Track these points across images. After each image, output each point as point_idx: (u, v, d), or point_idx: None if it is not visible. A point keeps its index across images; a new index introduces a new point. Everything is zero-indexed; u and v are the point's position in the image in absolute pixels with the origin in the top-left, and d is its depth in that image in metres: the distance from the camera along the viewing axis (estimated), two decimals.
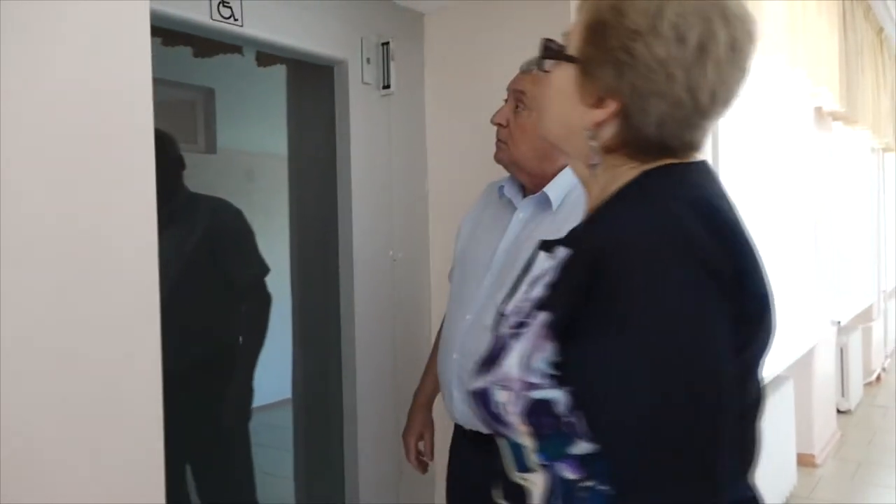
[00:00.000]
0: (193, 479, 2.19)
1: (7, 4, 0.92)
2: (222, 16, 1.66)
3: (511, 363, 0.77)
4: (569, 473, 0.77)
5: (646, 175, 0.81)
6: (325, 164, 2.10)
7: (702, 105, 0.78)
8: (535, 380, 0.75)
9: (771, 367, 2.82)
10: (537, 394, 0.75)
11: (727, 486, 0.74)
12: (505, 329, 0.82)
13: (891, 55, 4.86)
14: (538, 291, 0.81)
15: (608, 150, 0.83)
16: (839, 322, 4.26)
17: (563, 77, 0.85)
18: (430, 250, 2.31)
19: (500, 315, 0.89)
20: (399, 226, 2.21)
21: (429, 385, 1.74)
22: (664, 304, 0.70)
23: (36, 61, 0.96)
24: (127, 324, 1.06)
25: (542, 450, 0.78)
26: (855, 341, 4.79)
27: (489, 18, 2.13)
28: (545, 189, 1.50)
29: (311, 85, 2.11)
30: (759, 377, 0.81)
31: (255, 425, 2.26)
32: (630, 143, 0.81)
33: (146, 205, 1.09)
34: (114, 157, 1.05)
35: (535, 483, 0.81)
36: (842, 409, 4.58)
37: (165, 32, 1.76)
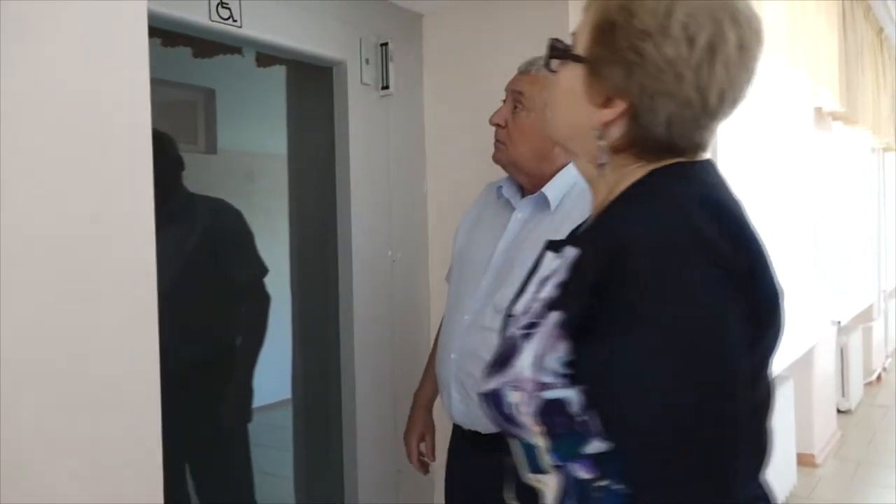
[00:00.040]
0: (192, 478, 2.19)
1: (6, 4, 0.92)
2: (221, 17, 1.67)
3: (523, 363, 0.77)
4: (582, 473, 0.76)
5: (654, 174, 0.81)
6: (324, 165, 2.10)
7: (710, 105, 0.78)
8: (548, 379, 0.75)
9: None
10: (550, 393, 0.75)
11: (743, 484, 0.74)
12: (515, 330, 0.82)
13: (891, 55, 4.85)
14: (548, 291, 0.81)
15: (616, 149, 0.83)
16: (839, 322, 4.26)
17: (570, 77, 0.85)
18: (430, 250, 2.31)
19: (509, 316, 0.89)
20: (398, 226, 2.21)
21: (429, 386, 1.75)
22: (678, 301, 0.70)
23: (33, 62, 0.96)
24: (125, 324, 1.06)
25: (556, 449, 0.78)
26: (855, 341, 4.79)
27: (488, 19, 2.13)
28: (543, 189, 1.51)
29: (311, 85, 2.12)
30: (770, 374, 0.81)
31: (255, 425, 2.26)
32: (638, 142, 0.81)
33: (144, 205, 1.10)
34: (112, 158, 1.05)
35: (548, 484, 0.81)
36: (842, 408, 4.58)
37: (165, 33, 1.76)
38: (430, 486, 2.18)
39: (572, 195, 1.51)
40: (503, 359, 0.81)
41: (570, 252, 0.81)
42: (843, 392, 4.63)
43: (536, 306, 0.81)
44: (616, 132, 0.82)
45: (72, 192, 1.00)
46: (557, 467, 0.79)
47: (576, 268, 0.78)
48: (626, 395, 0.72)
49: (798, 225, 3.78)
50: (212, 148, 3.74)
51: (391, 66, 2.10)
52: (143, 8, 1.10)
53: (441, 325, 1.68)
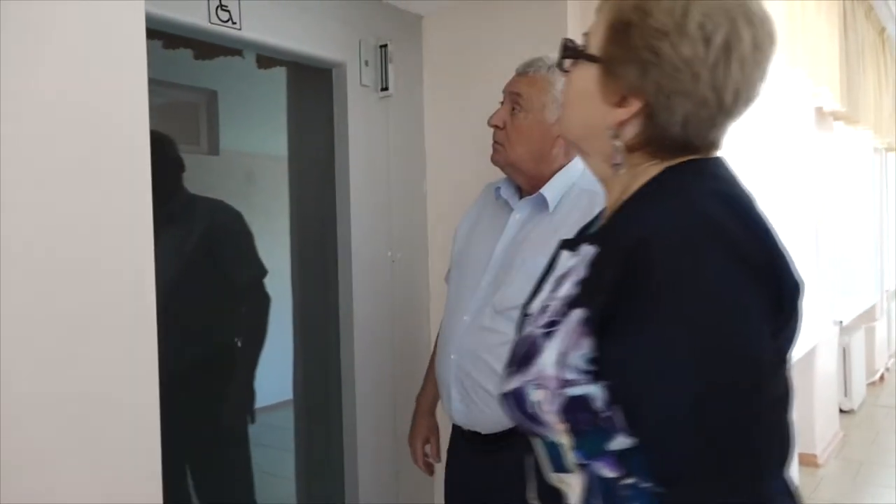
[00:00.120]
0: (192, 479, 2.20)
1: (5, 5, 0.93)
2: (220, 19, 1.67)
3: (546, 361, 0.77)
4: (607, 472, 0.76)
5: (669, 171, 0.82)
6: (324, 166, 2.11)
7: (726, 104, 0.79)
8: (571, 376, 0.75)
9: None
10: (574, 390, 0.75)
11: (772, 476, 0.74)
12: (534, 329, 0.82)
13: (893, 55, 4.84)
14: (566, 289, 0.81)
15: (630, 148, 0.83)
16: (841, 322, 4.26)
17: (584, 77, 0.85)
18: (429, 251, 2.32)
19: (524, 315, 0.90)
20: (398, 227, 2.21)
21: (430, 390, 1.74)
22: (699, 295, 0.71)
23: (32, 62, 0.97)
24: (124, 324, 1.07)
25: (579, 447, 0.78)
26: (858, 341, 4.78)
27: (487, 20, 2.13)
28: (542, 190, 1.51)
29: (311, 87, 2.12)
30: (789, 367, 0.81)
31: (256, 426, 2.27)
32: (653, 141, 0.82)
33: (143, 206, 1.10)
34: (110, 159, 1.06)
35: (572, 485, 0.80)
36: (844, 408, 4.57)
37: (166, 35, 1.76)
38: (429, 486, 2.18)
39: (570, 196, 1.51)
40: (524, 358, 0.81)
41: (588, 250, 0.81)
42: (846, 392, 4.62)
43: (555, 304, 0.81)
44: (631, 131, 0.82)
45: (70, 192, 1.01)
46: (581, 466, 0.79)
47: (595, 265, 0.79)
48: (651, 391, 0.72)
49: (800, 225, 3.77)
50: (214, 149, 3.75)
51: (391, 67, 2.11)
52: (140, 9, 1.10)
53: (441, 327, 1.68)
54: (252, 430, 2.27)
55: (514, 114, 1.52)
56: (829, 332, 4.08)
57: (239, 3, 1.71)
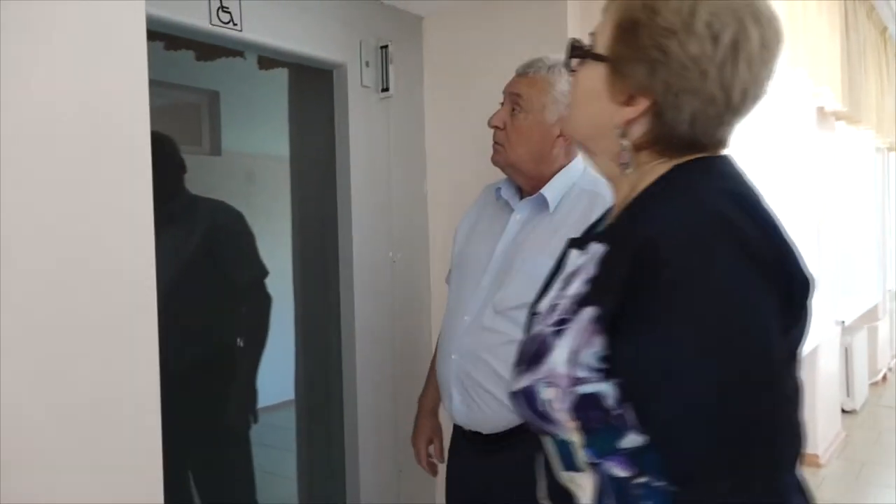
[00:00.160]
0: (193, 479, 2.20)
1: (5, 5, 0.93)
2: (221, 21, 1.68)
3: (557, 360, 0.77)
4: (619, 471, 0.76)
5: (677, 170, 0.82)
6: (325, 167, 2.11)
7: (734, 102, 0.79)
8: (582, 374, 0.75)
9: None
10: (585, 388, 0.75)
11: (785, 472, 0.74)
12: (543, 327, 0.82)
13: (895, 55, 4.84)
14: (576, 288, 0.81)
15: (638, 147, 0.83)
16: (843, 322, 4.25)
17: (591, 76, 0.85)
18: (430, 251, 2.32)
19: (533, 314, 0.90)
20: (398, 227, 2.22)
21: (432, 391, 1.74)
22: (711, 292, 0.71)
23: (32, 63, 0.97)
24: (124, 325, 1.07)
25: (591, 445, 0.78)
26: (860, 341, 4.77)
27: (488, 21, 2.14)
28: (542, 191, 1.51)
29: (312, 88, 2.13)
30: (799, 364, 0.81)
31: (259, 426, 2.27)
32: (661, 140, 0.82)
33: (143, 206, 1.10)
34: (111, 159, 1.06)
35: (583, 485, 0.80)
36: (847, 409, 4.56)
37: (167, 36, 1.77)
38: (431, 486, 2.18)
39: (571, 196, 1.52)
40: (534, 356, 0.81)
41: (597, 248, 0.82)
42: (848, 392, 4.61)
43: (565, 303, 0.81)
44: (638, 130, 0.83)
45: (70, 193, 1.01)
46: (593, 465, 0.78)
47: (605, 263, 0.79)
48: (663, 388, 0.72)
49: (802, 225, 3.77)
50: (216, 150, 3.76)
51: (391, 68, 2.11)
52: (141, 10, 1.10)
53: (442, 327, 1.68)
54: (254, 429, 2.28)
55: (514, 114, 1.53)
56: (831, 331, 4.07)
57: (240, 5, 1.72)
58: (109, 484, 1.05)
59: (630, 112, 0.82)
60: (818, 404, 3.77)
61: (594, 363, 0.75)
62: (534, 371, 0.80)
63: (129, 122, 1.08)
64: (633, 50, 0.80)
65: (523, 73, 1.55)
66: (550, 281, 0.92)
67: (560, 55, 1.55)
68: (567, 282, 0.84)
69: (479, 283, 1.55)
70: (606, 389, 0.75)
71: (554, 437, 0.83)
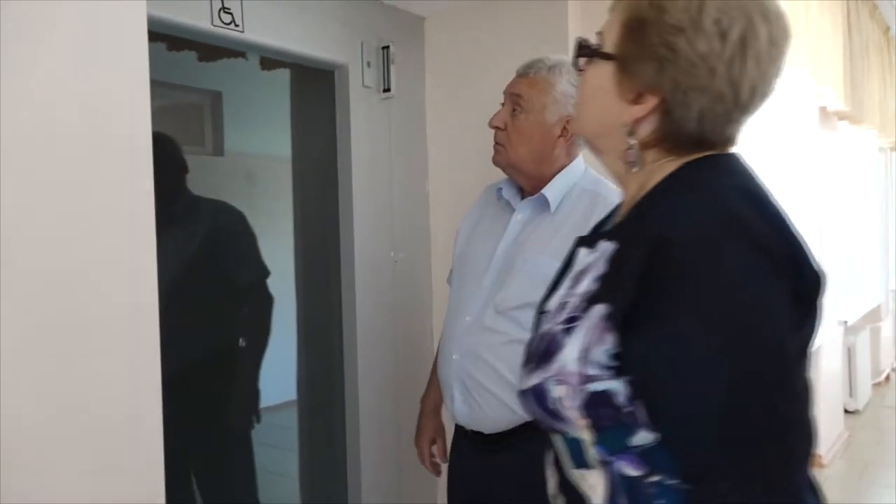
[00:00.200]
0: (195, 479, 2.20)
1: (5, 4, 0.93)
2: (223, 22, 1.68)
3: (567, 357, 0.77)
4: (631, 470, 0.76)
5: (687, 167, 0.82)
6: (327, 167, 2.12)
7: (742, 99, 0.79)
8: (593, 372, 0.75)
9: None
10: (596, 386, 0.75)
11: (798, 469, 0.74)
12: (553, 325, 0.82)
13: None
14: (586, 285, 0.81)
15: (647, 145, 0.84)
16: (846, 322, 4.24)
17: (599, 75, 0.86)
18: (431, 252, 2.33)
19: (541, 313, 0.90)
20: (400, 227, 2.22)
21: (435, 390, 1.74)
22: (723, 289, 0.71)
23: (32, 63, 0.97)
24: (126, 326, 1.07)
25: (601, 442, 0.78)
26: (863, 341, 4.76)
27: (489, 21, 2.14)
28: (543, 191, 1.52)
29: (314, 88, 2.13)
30: (809, 361, 0.80)
31: (261, 426, 2.28)
32: (669, 138, 0.82)
33: (145, 206, 1.10)
34: (112, 159, 1.06)
35: (594, 484, 0.80)
36: (849, 409, 4.55)
37: (170, 37, 1.77)
38: (432, 485, 2.19)
39: (572, 196, 1.52)
40: (544, 354, 0.80)
41: (606, 246, 0.81)
42: (851, 392, 4.61)
43: (574, 300, 0.81)
44: (647, 128, 0.83)
45: (71, 193, 1.01)
46: (604, 463, 0.78)
47: (615, 261, 0.79)
48: (676, 385, 0.72)
49: (804, 225, 3.76)
50: (219, 150, 3.76)
51: (392, 68, 2.12)
52: (142, 10, 1.11)
53: (443, 327, 1.68)
54: (256, 429, 2.28)
55: (515, 115, 1.53)
56: (833, 332, 4.07)
57: (241, 6, 1.72)
58: (110, 484, 1.05)
59: (638, 110, 0.82)
60: (821, 404, 3.77)
61: (605, 360, 0.75)
62: (544, 369, 0.80)
63: (129, 123, 1.09)
64: (641, 48, 0.80)
65: (524, 73, 1.55)
66: (559, 279, 0.92)
67: (560, 55, 1.57)
68: (576, 280, 0.84)
69: (480, 283, 1.55)
70: (617, 387, 0.75)
71: (564, 434, 0.82)
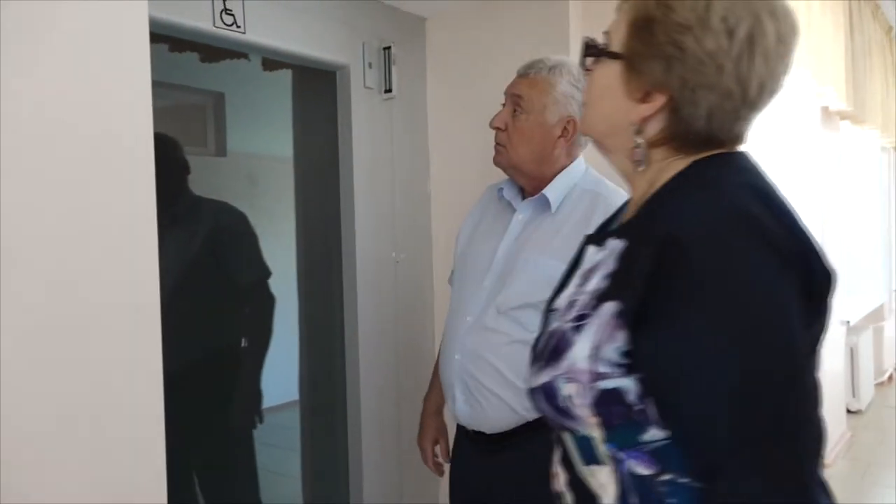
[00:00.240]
0: (197, 479, 2.21)
1: (5, 5, 0.94)
2: (225, 23, 1.69)
3: (578, 355, 0.77)
4: (642, 469, 0.76)
5: (696, 165, 0.82)
6: (328, 168, 2.12)
7: (750, 96, 0.79)
8: (603, 369, 0.75)
9: None
10: (606, 383, 0.75)
11: (810, 469, 0.73)
12: (562, 323, 0.82)
13: None
14: (595, 283, 0.81)
15: (654, 144, 0.84)
16: (848, 322, 4.24)
17: (607, 74, 0.86)
18: (433, 252, 2.33)
19: (550, 311, 0.90)
20: (402, 228, 2.22)
21: (437, 390, 1.74)
22: (735, 286, 0.71)
23: (33, 63, 0.97)
24: (127, 326, 1.08)
25: (611, 439, 0.78)
26: (865, 341, 4.75)
27: (490, 22, 2.14)
28: (544, 191, 1.52)
29: (315, 89, 2.14)
30: (819, 359, 0.80)
31: (263, 426, 2.28)
32: (678, 136, 0.82)
33: (146, 207, 1.11)
34: (113, 159, 1.06)
35: (605, 483, 0.80)
36: (852, 409, 4.54)
37: (172, 38, 1.78)
38: (434, 485, 2.19)
39: (572, 197, 1.52)
40: (553, 352, 0.80)
41: (615, 244, 0.81)
42: (854, 392, 4.60)
43: (584, 298, 0.81)
44: (655, 127, 0.83)
45: (72, 194, 1.01)
46: (615, 460, 0.78)
47: (625, 258, 0.79)
48: (687, 383, 0.72)
49: (806, 224, 3.75)
50: (221, 150, 3.77)
51: (394, 69, 2.12)
52: (143, 10, 1.11)
53: (445, 328, 1.69)
54: (258, 429, 2.29)
55: (516, 115, 1.53)
56: (836, 331, 4.06)
57: (243, 7, 1.73)
58: (111, 484, 1.05)
59: (646, 109, 0.82)
60: (823, 404, 3.76)
61: (616, 358, 0.75)
62: (553, 367, 0.80)
63: (131, 123, 1.09)
64: (648, 47, 0.80)
65: (524, 73, 1.55)
66: (567, 277, 0.92)
67: (561, 56, 1.57)
68: (585, 277, 0.84)
69: (481, 284, 1.55)
70: (628, 385, 0.74)
71: (574, 432, 0.82)
